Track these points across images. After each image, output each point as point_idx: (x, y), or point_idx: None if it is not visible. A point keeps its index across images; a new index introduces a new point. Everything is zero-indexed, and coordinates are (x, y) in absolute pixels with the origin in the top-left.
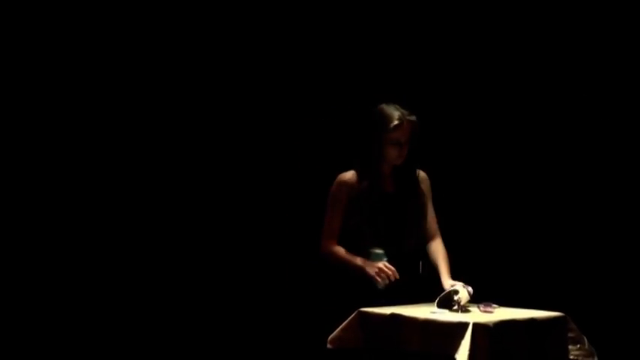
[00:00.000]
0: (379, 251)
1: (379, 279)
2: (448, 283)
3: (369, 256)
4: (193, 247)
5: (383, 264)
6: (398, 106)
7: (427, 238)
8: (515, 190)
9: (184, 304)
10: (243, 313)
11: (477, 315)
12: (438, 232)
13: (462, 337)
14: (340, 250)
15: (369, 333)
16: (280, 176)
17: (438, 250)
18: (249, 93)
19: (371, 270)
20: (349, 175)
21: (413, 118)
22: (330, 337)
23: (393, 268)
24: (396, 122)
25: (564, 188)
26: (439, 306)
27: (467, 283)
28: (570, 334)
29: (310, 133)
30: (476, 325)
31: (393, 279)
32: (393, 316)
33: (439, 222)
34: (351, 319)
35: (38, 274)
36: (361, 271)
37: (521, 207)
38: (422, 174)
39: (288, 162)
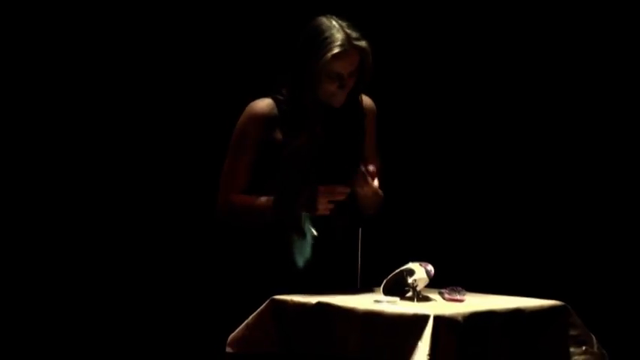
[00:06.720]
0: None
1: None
2: None
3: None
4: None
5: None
6: (344, 24)
7: None
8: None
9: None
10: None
11: (440, 305)
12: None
13: (418, 335)
14: (245, 197)
15: (285, 331)
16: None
17: None
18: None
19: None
20: (264, 104)
21: (363, 43)
22: (230, 338)
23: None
24: (336, 50)
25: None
26: (386, 292)
27: (426, 261)
28: (573, 332)
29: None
30: (438, 319)
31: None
32: (320, 306)
33: None
34: (260, 312)
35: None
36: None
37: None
38: (367, 102)
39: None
